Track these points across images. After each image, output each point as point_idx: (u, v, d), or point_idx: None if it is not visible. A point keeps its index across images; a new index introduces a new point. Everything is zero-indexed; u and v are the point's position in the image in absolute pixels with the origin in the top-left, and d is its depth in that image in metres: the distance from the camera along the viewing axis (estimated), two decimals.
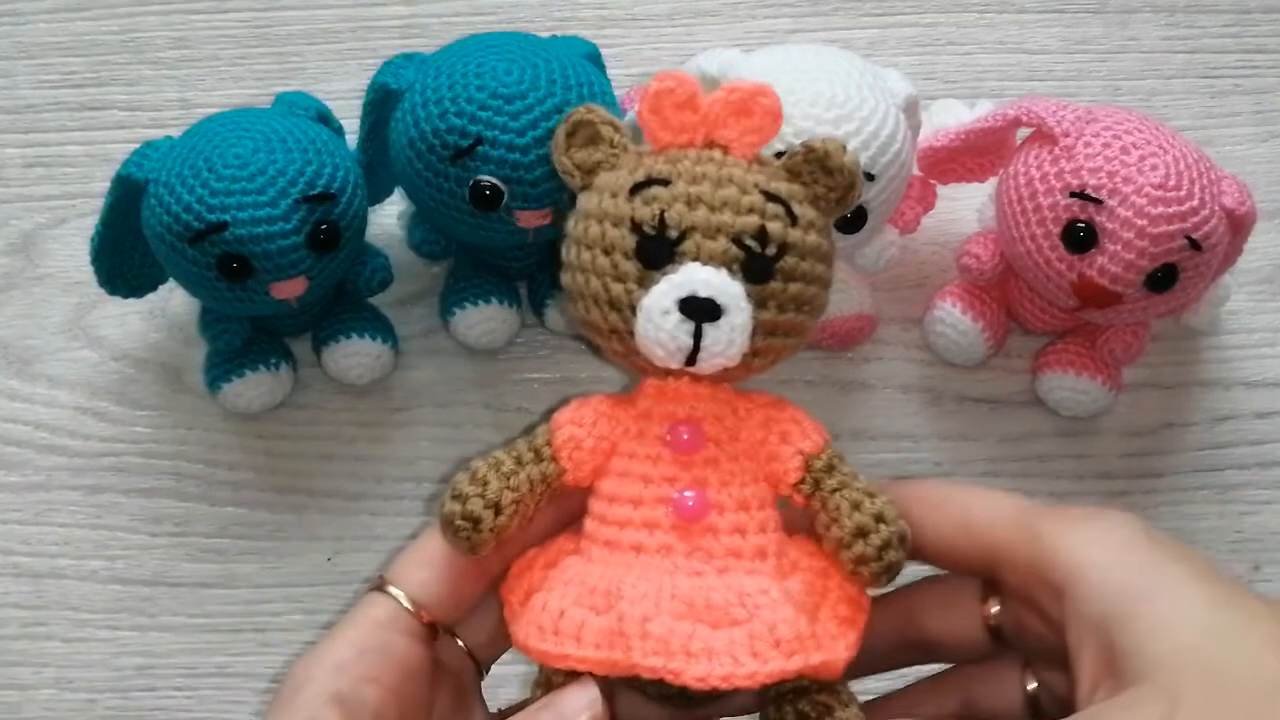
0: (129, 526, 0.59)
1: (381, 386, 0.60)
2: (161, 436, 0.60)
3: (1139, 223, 0.50)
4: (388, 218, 0.60)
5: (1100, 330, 0.57)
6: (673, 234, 0.36)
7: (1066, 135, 0.52)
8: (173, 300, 0.60)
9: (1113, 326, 0.57)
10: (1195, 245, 0.51)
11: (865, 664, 0.39)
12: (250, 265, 0.50)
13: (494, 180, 0.51)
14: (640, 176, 0.37)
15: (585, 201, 0.38)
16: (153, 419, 0.60)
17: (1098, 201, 0.51)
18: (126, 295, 0.57)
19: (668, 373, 0.38)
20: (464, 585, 0.39)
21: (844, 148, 0.38)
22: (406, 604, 0.38)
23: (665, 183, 0.36)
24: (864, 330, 0.59)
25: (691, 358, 0.36)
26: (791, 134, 0.49)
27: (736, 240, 0.36)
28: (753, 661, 0.35)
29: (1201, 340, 0.62)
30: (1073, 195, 0.51)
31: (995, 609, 0.40)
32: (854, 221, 0.54)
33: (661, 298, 0.36)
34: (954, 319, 0.58)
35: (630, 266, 0.36)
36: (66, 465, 0.60)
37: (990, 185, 0.58)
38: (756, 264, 0.36)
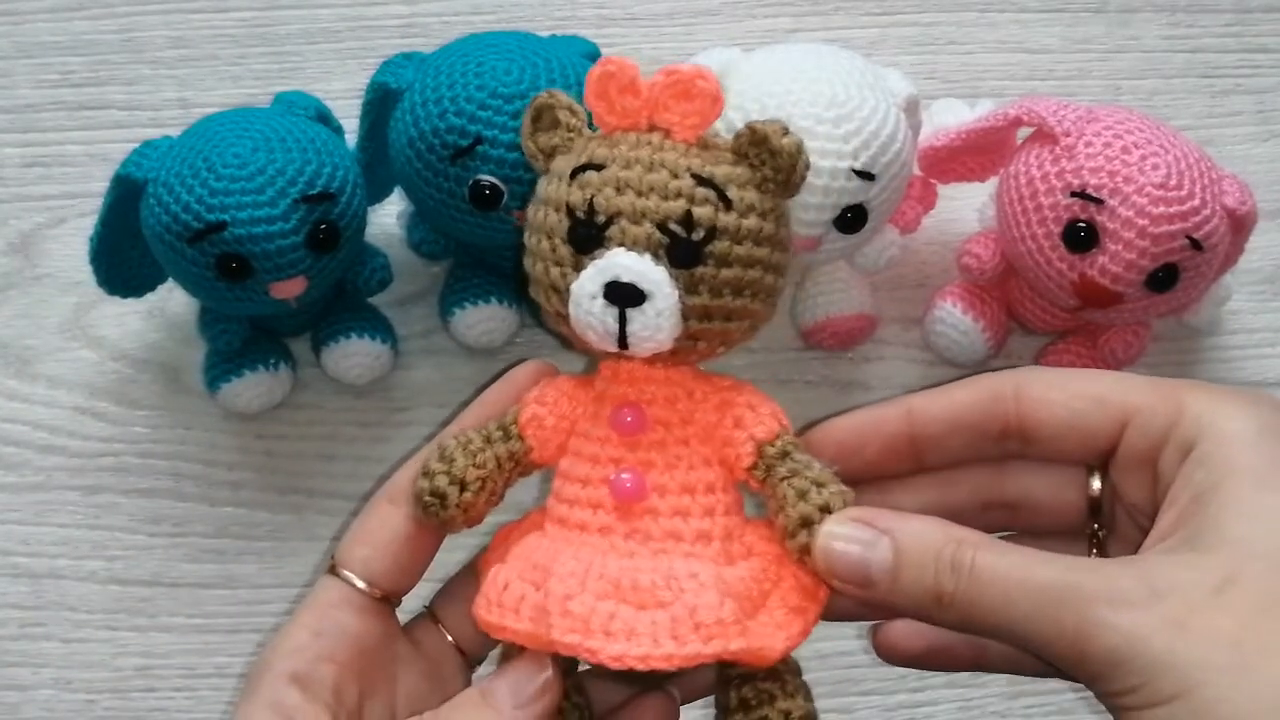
0: (128, 527, 0.59)
1: (381, 386, 0.60)
2: (160, 437, 0.60)
3: (1140, 222, 0.50)
4: (388, 218, 0.60)
5: (1101, 330, 0.57)
6: (600, 219, 0.36)
7: (1067, 135, 0.52)
8: (172, 300, 0.60)
9: (1114, 326, 0.57)
10: (1196, 245, 0.51)
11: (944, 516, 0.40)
12: (249, 265, 0.50)
13: (494, 180, 0.51)
14: (581, 161, 0.37)
15: (540, 186, 0.39)
16: (152, 419, 0.60)
17: (1099, 201, 0.51)
18: (125, 295, 0.57)
19: (619, 355, 0.38)
20: (405, 556, 0.41)
21: (785, 129, 0.37)
22: (358, 583, 0.40)
23: (600, 167, 0.37)
24: (864, 330, 0.59)
25: (622, 342, 0.37)
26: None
27: (660, 225, 0.36)
28: (671, 644, 0.35)
29: (1203, 340, 0.62)
30: (1074, 195, 0.51)
31: (1097, 485, 0.40)
32: (854, 221, 0.53)
33: (587, 282, 0.36)
34: (955, 319, 0.58)
35: (565, 251, 0.37)
36: (65, 465, 0.59)
37: (991, 185, 0.58)
38: (682, 249, 0.36)
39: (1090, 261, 0.52)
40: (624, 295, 0.36)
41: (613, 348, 0.37)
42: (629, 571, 0.37)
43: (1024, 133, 0.56)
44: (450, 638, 0.43)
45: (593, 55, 0.55)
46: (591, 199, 0.36)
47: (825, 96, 0.51)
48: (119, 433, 0.60)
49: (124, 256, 0.55)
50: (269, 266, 0.51)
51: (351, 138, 0.57)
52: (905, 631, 0.42)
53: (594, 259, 0.36)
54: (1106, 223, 0.51)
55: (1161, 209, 0.50)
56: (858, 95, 0.52)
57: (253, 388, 0.57)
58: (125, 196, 0.52)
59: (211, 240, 0.50)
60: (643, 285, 0.36)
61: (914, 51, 0.65)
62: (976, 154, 0.57)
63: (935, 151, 0.57)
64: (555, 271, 0.37)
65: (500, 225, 0.53)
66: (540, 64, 0.52)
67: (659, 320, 0.36)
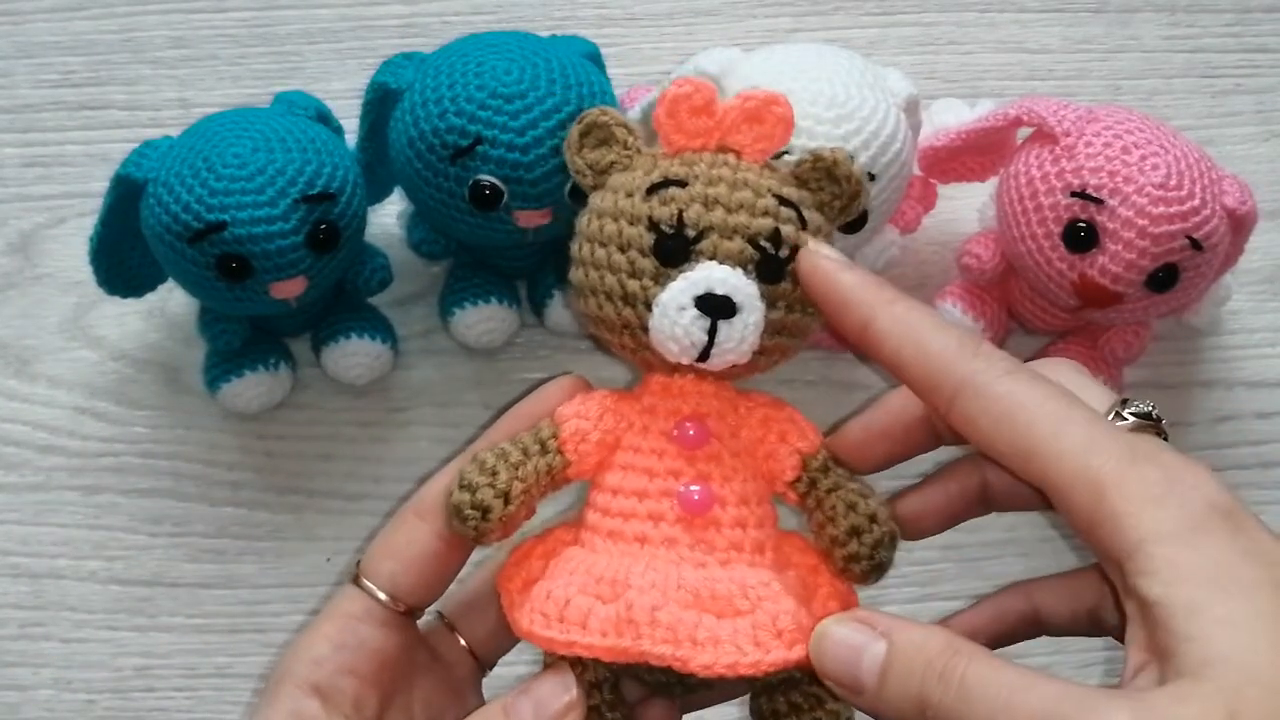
0: (128, 527, 0.59)
1: (381, 386, 0.60)
2: (160, 436, 0.60)
3: (1140, 222, 0.50)
4: (388, 218, 0.60)
5: (1101, 330, 0.57)
6: (690, 233, 0.37)
7: (1067, 135, 0.52)
8: (172, 300, 0.60)
9: (1114, 326, 0.57)
10: (1196, 245, 0.51)
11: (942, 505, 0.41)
12: (249, 265, 0.50)
13: (493, 180, 0.51)
14: (656, 177, 0.38)
15: (599, 200, 0.39)
16: (151, 419, 0.60)
17: (1099, 201, 0.51)
18: (125, 295, 0.57)
19: (674, 369, 0.39)
20: (432, 571, 0.40)
21: (851, 157, 0.39)
22: (381, 596, 0.40)
23: (682, 184, 0.37)
24: None
25: (704, 354, 0.37)
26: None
27: (752, 241, 0.37)
28: (756, 651, 0.36)
29: (1203, 340, 0.62)
30: (1074, 195, 0.51)
31: None
32: (855, 221, 0.53)
33: (679, 294, 0.37)
34: (955, 319, 0.58)
35: (647, 263, 0.37)
36: (65, 465, 0.59)
37: (991, 185, 0.58)
38: (770, 265, 0.37)
39: (1090, 261, 0.52)
40: (717, 307, 0.36)
41: (689, 360, 0.38)
42: (706, 581, 0.37)
43: (1024, 133, 0.56)
44: (465, 644, 0.43)
45: (593, 55, 0.55)
46: (680, 214, 0.37)
47: (825, 96, 0.51)
48: (119, 433, 0.60)
49: (124, 256, 0.55)
50: (269, 266, 0.51)
51: (351, 138, 0.57)
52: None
53: (683, 272, 0.37)
54: (1106, 223, 0.51)
55: (1161, 209, 0.50)
56: (858, 95, 0.52)
57: (253, 388, 0.57)
58: (125, 196, 0.52)
59: (211, 240, 0.50)
60: (736, 297, 0.36)
61: (914, 51, 0.65)
62: (976, 154, 0.57)
63: (935, 151, 0.57)
64: (633, 284, 0.37)
65: (500, 225, 0.53)
66: (540, 64, 0.52)
67: (745, 332, 0.37)
